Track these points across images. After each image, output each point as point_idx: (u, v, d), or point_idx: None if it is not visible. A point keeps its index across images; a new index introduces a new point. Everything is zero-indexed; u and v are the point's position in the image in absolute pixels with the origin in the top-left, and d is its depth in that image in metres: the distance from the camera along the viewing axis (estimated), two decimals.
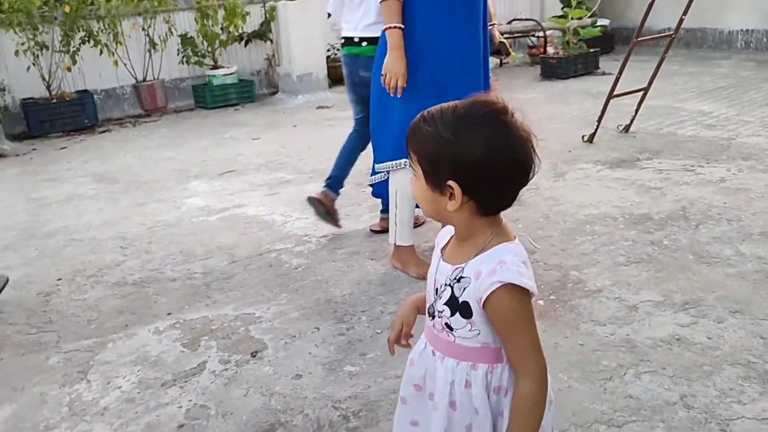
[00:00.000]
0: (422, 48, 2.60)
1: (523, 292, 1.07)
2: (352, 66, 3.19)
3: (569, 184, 3.88)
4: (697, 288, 2.57)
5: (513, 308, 1.08)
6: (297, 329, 2.50)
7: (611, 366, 2.11)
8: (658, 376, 2.05)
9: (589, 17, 7.83)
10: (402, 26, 2.58)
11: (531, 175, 1.11)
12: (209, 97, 7.14)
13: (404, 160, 2.70)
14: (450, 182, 1.07)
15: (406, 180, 2.71)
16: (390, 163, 2.77)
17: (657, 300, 2.51)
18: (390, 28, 2.58)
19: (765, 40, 7.75)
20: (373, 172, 2.94)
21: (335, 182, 3.38)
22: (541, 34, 8.09)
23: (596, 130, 4.63)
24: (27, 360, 2.43)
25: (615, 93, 4.59)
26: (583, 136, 4.70)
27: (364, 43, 3.08)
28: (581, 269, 2.78)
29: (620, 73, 4.63)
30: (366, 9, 3.07)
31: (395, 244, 2.91)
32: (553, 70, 7.21)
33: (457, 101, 1.11)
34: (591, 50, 7.39)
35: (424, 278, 2.62)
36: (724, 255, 2.83)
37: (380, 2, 2.59)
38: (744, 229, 3.06)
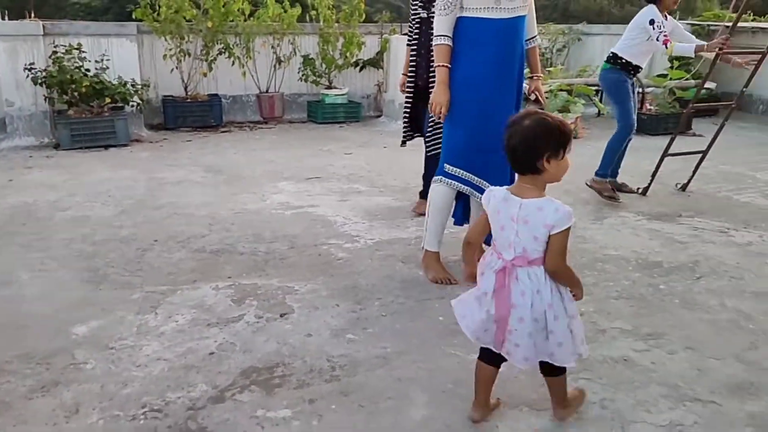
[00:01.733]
0: (461, 87, 3.17)
1: None
2: None
3: (603, 228, 4.23)
4: (667, 325, 2.91)
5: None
6: (321, 303, 3.10)
7: None
8: (592, 383, 2.46)
9: (692, 78, 7.95)
10: (449, 65, 3.16)
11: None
12: (320, 113, 7.99)
13: (443, 177, 3.28)
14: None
15: (441, 194, 3.28)
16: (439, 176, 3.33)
17: (626, 329, 2.88)
18: (439, 66, 3.17)
19: None
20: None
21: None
22: (640, 89, 8.28)
23: (649, 184, 4.91)
24: (117, 293, 3.19)
25: (669, 152, 4.86)
26: (638, 188, 4.99)
27: None
28: None
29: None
30: None
31: (423, 248, 3.45)
32: (644, 125, 7.42)
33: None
34: (685, 111, 7.50)
35: (438, 282, 3.17)
36: (708, 304, 3.13)
37: (434, 45, 3.18)
38: (740, 287, 3.33)
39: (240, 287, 3.26)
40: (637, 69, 4.75)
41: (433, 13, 3.23)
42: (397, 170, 5.59)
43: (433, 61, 3.36)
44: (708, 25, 9.09)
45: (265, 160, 5.99)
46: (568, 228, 1.95)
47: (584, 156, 5.57)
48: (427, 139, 4.10)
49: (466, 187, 3.28)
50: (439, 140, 3.59)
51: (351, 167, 5.78)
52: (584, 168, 4.94)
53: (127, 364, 2.56)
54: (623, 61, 4.68)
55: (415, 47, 4.10)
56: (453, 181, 3.28)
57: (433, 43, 3.19)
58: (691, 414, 2.28)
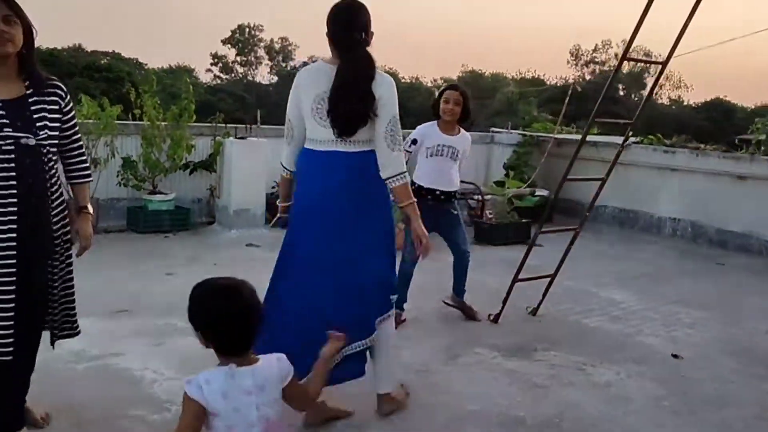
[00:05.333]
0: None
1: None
2: None
3: (459, 369, 3.80)
4: None
5: None
6: None
7: None
8: None
9: (527, 186, 8.14)
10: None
11: None
12: (142, 222, 7.09)
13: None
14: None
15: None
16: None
17: None
18: (413, 203, 3.00)
19: (690, 229, 8.08)
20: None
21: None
22: (479, 197, 8.33)
23: (501, 311, 4.63)
24: None
25: (520, 277, 4.64)
26: (489, 315, 4.69)
27: None
28: None
29: (525, 255, 4.73)
30: None
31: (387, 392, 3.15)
32: (487, 234, 7.36)
33: None
34: (523, 220, 7.58)
35: None
36: None
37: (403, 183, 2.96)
38: None
39: None
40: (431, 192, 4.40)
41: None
42: None
43: None
44: (538, 137, 9.49)
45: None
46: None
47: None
48: None
49: None
50: None
51: (171, 293, 4.95)
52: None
53: None
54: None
55: None
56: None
57: (402, 181, 2.92)
58: None
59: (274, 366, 1.92)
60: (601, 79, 43.02)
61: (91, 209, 2.92)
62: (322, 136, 2.87)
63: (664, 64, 4.01)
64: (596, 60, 50.53)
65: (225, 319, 1.87)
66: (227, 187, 7.40)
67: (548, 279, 4.85)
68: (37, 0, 2.49)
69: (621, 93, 44.64)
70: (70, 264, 2.91)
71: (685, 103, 47.59)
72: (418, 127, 4.48)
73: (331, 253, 2.89)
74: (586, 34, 63.62)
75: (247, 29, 50.34)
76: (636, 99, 46.74)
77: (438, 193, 4.42)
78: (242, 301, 1.90)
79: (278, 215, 3.29)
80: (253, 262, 6.00)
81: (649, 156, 8.62)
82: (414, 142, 4.37)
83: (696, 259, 7.17)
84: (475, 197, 8.46)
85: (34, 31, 2.62)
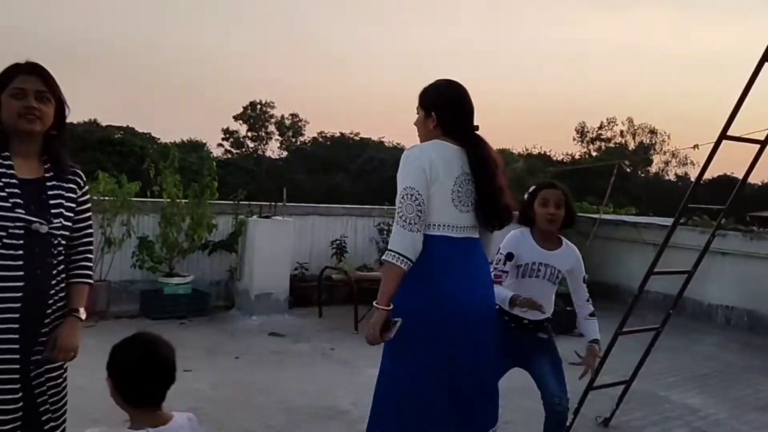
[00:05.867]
0: None
1: None
2: None
3: None
4: None
5: None
6: None
7: None
8: None
9: None
10: None
11: None
12: (156, 307, 6.56)
13: None
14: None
15: None
16: None
17: None
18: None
19: (746, 319, 7.48)
20: None
21: None
22: None
23: (572, 424, 4.01)
24: None
25: (594, 385, 4.05)
26: None
27: None
28: None
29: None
30: None
31: None
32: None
33: None
34: (567, 308, 6.99)
35: None
36: None
37: None
38: None
39: None
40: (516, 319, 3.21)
41: None
42: (249, 404, 4.29)
43: None
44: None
45: (70, 387, 4.41)
46: None
47: None
48: None
49: None
50: None
51: (189, 395, 4.33)
52: None
53: None
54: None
55: None
56: None
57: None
58: None
59: (185, 426, 1.98)
60: (606, 155, 43.13)
61: (83, 314, 2.44)
62: (461, 222, 2.62)
63: (764, 143, 3.58)
64: (602, 137, 50.93)
65: (136, 368, 1.95)
66: (249, 268, 6.89)
67: (623, 385, 4.24)
68: (58, 74, 2.17)
69: (628, 170, 44.60)
70: (63, 373, 2.50)
71: (692, 179, 47.59)
72: (509, 236, 3.28)
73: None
74: (590, 113, 64.44)
75: (259, 105, 51.14)
76: (643, 176, 46.84)
77: (526, 322, 3.23)
78: (156, 356, 1.97)
79: (396, 320, 2.49)
80: (279, 356, 5.45)
81: (695, 238, 8.10)
82: (509, 257, 3.21)
83: (764, 354, 6.53)
84: None
85: (66, 109, 2.35)
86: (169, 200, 6.69)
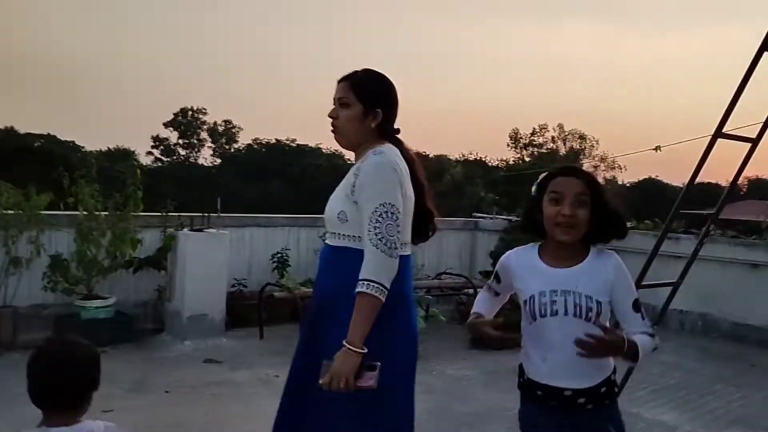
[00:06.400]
0: None
1: None
2: None
3: None
4: None
5: None
6: None
7: None
8: None
9: None
10: None
11: None
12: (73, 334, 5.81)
13: None
14: None
15: None
16: None
17: None
18: None
19: (700, 323, 7.34)
20: None
21: None
22: (471, 290, 7.41)
23: None
24: None
25: None
26: None
27: None
28: None
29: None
30: None
31: None
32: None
33: None
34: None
35: None
36: None
37: None
38: None
39: None
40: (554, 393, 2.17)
41: None
42: None
43: None
44: None
45: None
46: None
47: None
48: None
49: None
50: None
51: None
52: None
53: None
54: None
55: None
56: None
57: None
58: None
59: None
60: (539, 160, 43.81)
61: None
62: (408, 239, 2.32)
63: (755, 141, 3.28)
64: (534, 143, 51.86)
65: (40, 370, 1.85)
66: (180, 287, 6.23)
67: None
68: None
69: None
70: None
71: (620, 183, 48.88)
72: (506, 253, 2.35)
73: None
74: (523, 118, 65.62)
75: (190, 112, 49.54)
76: None
77: (569, 393, 2.14)
78: (67, 360, 1.85)
79: (375, 364, 2.07)
80: (217, 388, 4.86)
81: (645, 243, 7.94)
82: (497, 278, 2.35)
83: (726, 361, 6.35)
84: (466, 291, 7.56)
85: None
86: (85, 213, 5.97)
